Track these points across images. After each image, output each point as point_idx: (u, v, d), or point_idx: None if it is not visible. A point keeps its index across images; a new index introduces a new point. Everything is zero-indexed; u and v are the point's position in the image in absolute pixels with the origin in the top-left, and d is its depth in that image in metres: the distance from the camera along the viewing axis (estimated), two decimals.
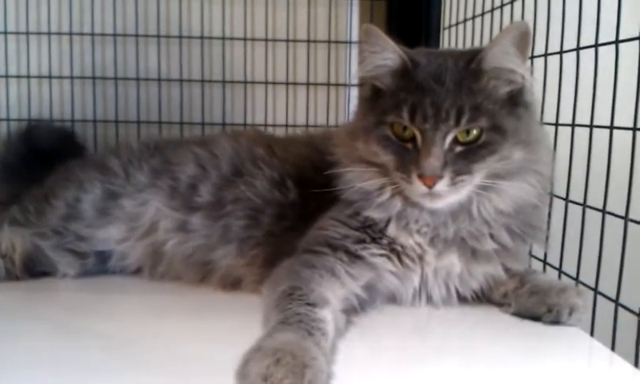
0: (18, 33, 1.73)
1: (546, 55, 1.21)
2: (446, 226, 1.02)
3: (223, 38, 1.78)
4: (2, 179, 1.46)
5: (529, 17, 1.25)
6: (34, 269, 1.21)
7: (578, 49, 1.12)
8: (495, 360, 0.88)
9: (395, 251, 1.04)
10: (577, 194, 1.14)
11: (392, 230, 1.03)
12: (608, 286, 1.03)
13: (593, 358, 0.93)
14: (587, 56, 1.11)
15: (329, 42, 1.81)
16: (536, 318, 1.00)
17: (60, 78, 1.76)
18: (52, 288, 1.18)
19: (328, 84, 1.83)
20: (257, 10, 1.79)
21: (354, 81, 1.80)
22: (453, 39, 1.68)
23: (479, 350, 0.92)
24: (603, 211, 1.05)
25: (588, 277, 1.09)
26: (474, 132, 0.97)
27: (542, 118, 1.18)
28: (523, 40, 0.97)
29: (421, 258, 1.04)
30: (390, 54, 1.01)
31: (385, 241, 1.04)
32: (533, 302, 1.01)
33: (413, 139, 0.98)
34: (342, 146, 1.09)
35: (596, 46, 1.06)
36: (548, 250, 1.19)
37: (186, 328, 0.98)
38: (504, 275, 1.06)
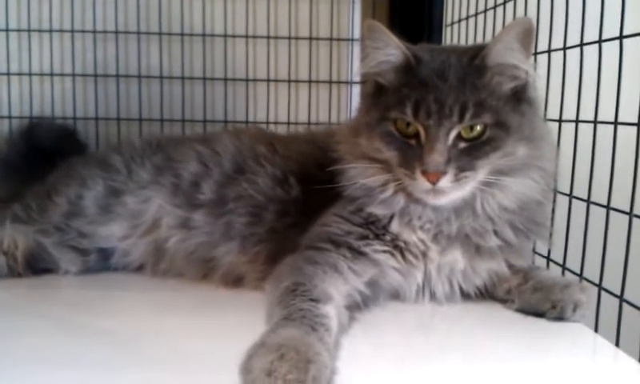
0: (19, 30, 1.73)
1: (549, 51, 1.21)
2: (450, 223, 1.02)
3: (225, 36, 1.78)
4: (3, 177, 1.46)
5: (531, 13, 1.25)
6: (36, 266, 1.21)
7: (581, 45, 1.12)
8: (499, 356, 0.88)
9: (398, 248, 1.03)
10: (580, 191, 1.14)
11: (395, 227, 1.03)
12: (612, 281, 1.03)
13: (597, 354, 0.92)
14: (590, 52, 1.10)
15: (331, 39, 1.81)
16: (540, 315, 1.00)
17: (62, 75, 1.76)
18: (54, 285, 1.18)
19: (330, 81, 1.83)
20: (259, 7, 1.79)
21: (357, 78, 1.80)
22: (455, 36, 1.68)
23: (483, 347, 0.91)
24: (607, 207, 1.04)
25: (592, 273, 1.09)
26: (478, 128, 0.96)
27: (545, 115, 1.18)
28: (527, 36, 0.97)
29: (424, 254, 1.03)
30: (392, 50, 1.01)
31: (388, 237, 1.03)
32: (536, 299, 1.01)
33: (416, 135, 0.98)
34: (345, 142, 1.09)
35: (600, 41, 1.06)
36: (552, 247, 1.18)
37: (189, 324, 0.98)
38: (507, 272, 1.06)
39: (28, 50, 1.74)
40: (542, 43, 1.21)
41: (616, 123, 1.03)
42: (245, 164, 1.21)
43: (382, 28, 1.00)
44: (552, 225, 1.12)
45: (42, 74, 1.75)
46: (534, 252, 1.21)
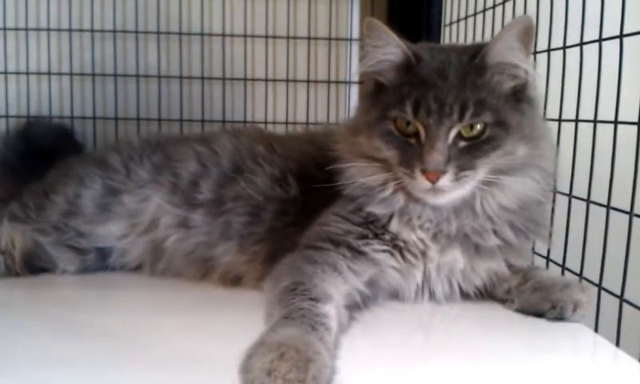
0: (17, 29, 1.72)
1: (549, 50, 1.21)
2: (449, 222, 1.01)
3: (223, 35, 1.78)
4: (0, 176, 1.45)
5: (531, 12, 1.24)
6: (34, 265, 1.20)
7: (581, 44, 1.12)
8: (498, 356, 0.87)
9: (398, 247, 1.03)
10: (579, 191, 1.14)
11: (394, 226, 1.03)
12: (612, 281, 1.03)
13: (597, 353, 0.92)
14: (590, 51, 1.10)
15: (329, 39, 1.81)
16: (540, 315, 0.99)
17: (59, 74, 1.75)
18: (52, 284, 1.18)
19: (328, 81, 1.82)
20: (257, 6, 1.78)
21: (356, 77, 1.80)
22: (454, 36, 1.68)
23: (482, 347, 0.91)
24: (607, 207, 1.04)
25: (592, 273, 1.08)
26: (478, 127, 0.96)
27: (544, 114, 1.18)
28: (527, 34, 0.96)
29: (423, 253, 1.03)
30: (393, 48, 1.00)
31: (387, 236, 1.03)
32: (536, 298, 1.00)
33: (416, 134, 0.98)
34: (344, 141, 1.08)
35: (600, 40, 1.06)
36: (551, 247, 1.18)
37: (187, 324, 0.98)
38: (507, 271, 1.06)
39: (26, 48, 1.73)
40: (541, 42, 1.21)
41: (616, 122, 1.03)
42: (243, 164, 1.21)
43: (383, 26, 0.99)
44: (552, 224, 1.12)
45: (39, 73, 1.75)
46: (534, 252, 1.21)
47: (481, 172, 0.97)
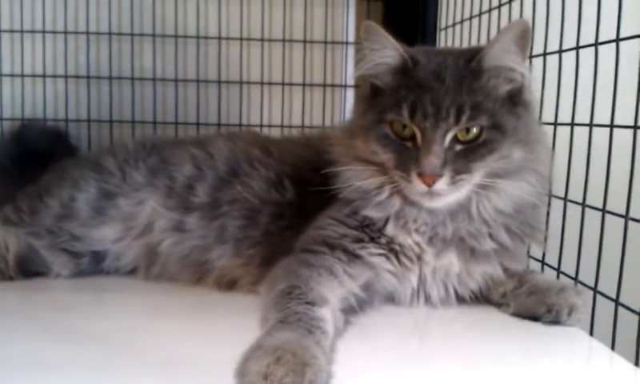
0: (12, 31, 1.72)
1: (544, 54, 1.21)
2: (445, 226, 1.01)
3: (219, 38, 1.77)
4: None
5: (527, 16, 1.24)
6: (28, 269, 1.19)
7: (577, 48, 1.12)
8: (494, 360, 0.87)
9: (394, 251, 1.03)
10: (574, 194, 1.14)
11: (390, 229, 1.03)
12: (608, 285, 1.03)
13: (593, 357, 0.92)
14: (586, 55, 1.10)
15: (325, 42, 1.81)
16: (535, 318, 1.00)
17: (54, 77, 1.75)
18: (46, 288, 1.17)
19: (324, 85, 1.82)
20: (253, 9, 1.78)
21: (351, 80, 1.80)
22: (449, 40, 1.68)
23: (478, 351, 0.91)
24: (603, 210, 1.04)
25: (587, 277, 1.09)
26: (474, 130, 0.96)
27: (540, 118, 1.18)
28: (523, 38, 0.97)
29: (419, 257, 1.03)
30: (390, 51, 1.00)
31: (383, 240, 1.03)
32: (532, 302, 1.00)
33: (412, 137, 0.98)
34: (340, 144, 1.08)
35: (596, 44, 1.06)
36: (547, 251, 1.18)
37: (182, 328, 0.97)
38: (503, 275, 1.06)
39: (20, 51, 1.73)
40: (537, 46, 1.21)
41: (612, 126, 1.03)
42: (239, 167, 1.21)
43: (380, 29, 0.99)
44: (547, 228, 1.12)
45: (34, 76, 1.74)
46: (529, 256, 1.21)
47: (477, 175, 0.97)
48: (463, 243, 1.02)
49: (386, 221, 1.03)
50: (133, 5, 1.74)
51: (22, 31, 1.72)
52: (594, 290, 1.06)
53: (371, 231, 1.03)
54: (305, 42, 1.80)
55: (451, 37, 1.67)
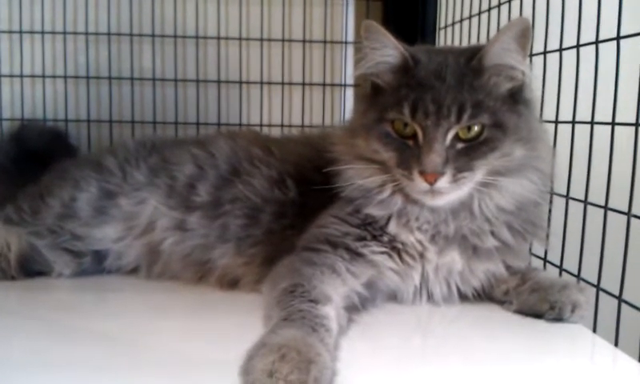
0: (11, 32, 1.72)
1: (545, 53, 1.21)
2: (447, 224, 1.01)
3: (218, 38, 1.78)
4: None
5: (527, 15, 1.24)
6: (30, 268, 1.19)
7: (577, 46, 1.12)
8: (497, 357, 0.87)
9: (396, 249, 1.03)
10: (576, 192, 1.14)
11: (393, 228, 1.03)
12: (610, 282, 1.03)
13: (596, 354, 0.92)
14: (586, 53, 1.10)
15: (324, 42, 1.81)
16: (538, 316, 1.00)
17: (54, 77, 1.75)
18: (48, 287, 1.17)
19: (324, 84, 1.82)
20: (252, 9, 1.78)
21: (351, 80, 1.81)
22: (449, 39, 1.68)
23: (480, 348, 0.91)
24: (605, 207, 1.04)
25: (590, 274, 1.09)
26: (476, 129, 0.96)
27: (541, 116, 1.18)
28: (524, 36, 0.97)
29: (422, 255, 1.03)
30: (390, 50, 1.00)
31: (385, 238, 1.03)
32: (534, 300, 1.00)
33: (414, 136, 0.98)
34: (342, 143, 1.08)
35: (597, 42, 1.06)
36: (549, 248, 1.18)
37: (184, 327, 0.97)
38: (505, 273, 1.06)
39: (20, 51, 1.73)
40: (537, 44, 1.21)
41: (613, 124, 1.03)
42: (240, 166, 1.21)
43: (380, 28, 0.99)
44: (549, 226, 1.12)
45: (33, 76, 1.74)
46: (531, 253, 1.21)
47: (478, 173, 0.97)
48: (465, 241, 1.02)
49: (388, 219, 1.03)
50: (132, 5, 1.74)
51: (21, 32, 1.72)
52: (597, 287, 1.06)
53: (373, 229, 1.03)
54: (304, 41, 1.80)
55: (450, 36, 1.67)
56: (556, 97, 1.19)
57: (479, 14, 1.50)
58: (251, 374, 0.70)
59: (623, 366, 0.87)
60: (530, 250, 1.20)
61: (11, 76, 1.73)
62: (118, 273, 1.23)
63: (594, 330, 1.01)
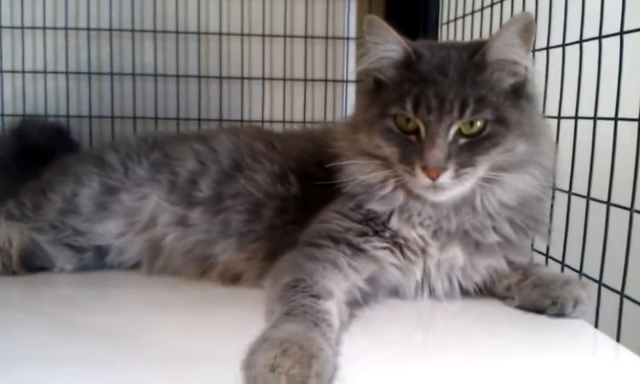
0: (12, 27, 1.71)
1: (547, 48, 1.21)
2: (449, 219, 1.01)
3: (220, 34, 1.77)
4: None
5: (529, 10, 1.24)
6: (31, 263, 1.19)
7: (581, 41, 1.12)
8: (499, 353, 0.87)
9: (398, 244, 1.03)
10: (578, 187, 1.14)
11: (395, 223, 1.03)
12: (612, 278, 1.03)
13: (598, 349, 0.92)
14: (589, 48, 1.10)
15: (326, 37, 1.81)
16: (540, 311, 1.00)
17: (55, 73, 1.74)
18: (49, 283, 1.17)
19: (325, 80, 1.82)
20: (254, 5, 1.78)
21: (353, 75, 1.80)
22: (451, 35, 1.67)
23: (482, 344, 0.91)
24: (608, 203, 1.04)
25: (592, 269, 1.09)
26: (478, 124, 0.96)
27: (544, 111, 1.18)
28: (527, 31, 0.96)
29: (423, 250, 1.03)
30: (393, 45, 1.00)
31: (387, 234, 1.03)
32: (536, 295, 1.00)
33: (416, 131, 0.97)
34: (344, 139, 1.08)
35: (600, 37, 1.06)
36: (551, 244, 1.18)
37: (186, 322, 0.97)
38: (507, 268, 1.06)
39: (21, 47, 1.72)
40: (540, 39, 1.21)
41: (616, 119, 1.03)
42: (242, 161, 1.20)
43: (383, 23, 0.99)
44: (551, 221, 1.12)
45: (35, 72, 1.74)
46: (533, 249, 1.21)
47: (481, 169, 0.97)
48: (467, 236, 1.02)
49: (390, 214, 1.03)
50: (134, 1, 1.73)
51: (22, 28, 1.71)
52: (599, 282, 1.06)
53: (375, 225, 1.03)
54: (306, 37, 1.80)
55: (453, 31, 1.66)
56: (559, 92, 1.19)
57: (482, 9, 1.50)
58: (253, 369, 0.70)
59: (625, 361, 0.87)
60: (532, 245, 1.19)
61: (13, 72, 1.73)
62: (119, 268, 1.23)
63: (596, 326, 1.00)
